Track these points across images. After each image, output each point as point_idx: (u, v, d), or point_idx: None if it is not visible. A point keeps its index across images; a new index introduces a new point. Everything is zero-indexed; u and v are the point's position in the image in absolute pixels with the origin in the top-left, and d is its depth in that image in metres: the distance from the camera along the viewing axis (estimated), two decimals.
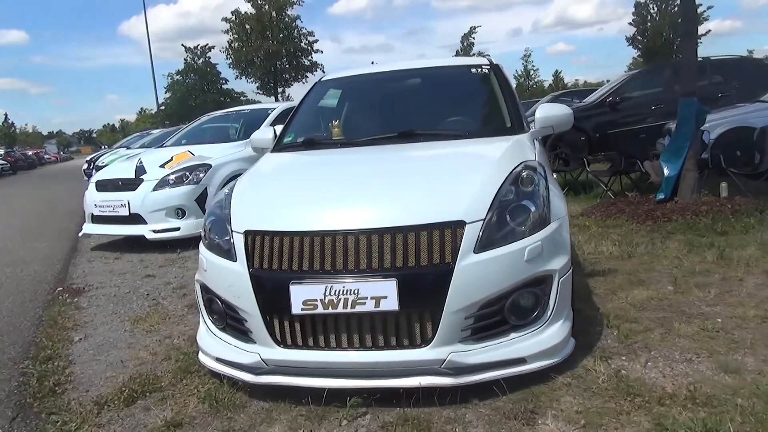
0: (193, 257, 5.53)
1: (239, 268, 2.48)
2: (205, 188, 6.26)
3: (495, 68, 3.77)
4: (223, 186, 6.18)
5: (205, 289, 2.75)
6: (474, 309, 2.30)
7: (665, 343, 2.76)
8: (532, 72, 45.44)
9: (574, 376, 2.49)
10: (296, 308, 2.34)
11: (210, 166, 6.39)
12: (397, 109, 3.74)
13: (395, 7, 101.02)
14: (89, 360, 3.21)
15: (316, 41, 23.81)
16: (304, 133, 3.70)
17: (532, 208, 2.48)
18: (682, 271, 3.93)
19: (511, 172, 2.60)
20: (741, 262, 3.95)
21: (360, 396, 2.35)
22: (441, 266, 2.28)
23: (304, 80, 25.89)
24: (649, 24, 31.99)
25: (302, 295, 2.33)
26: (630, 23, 34.36)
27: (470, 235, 2.32)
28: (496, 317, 2.37)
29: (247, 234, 2.51)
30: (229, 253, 2.56)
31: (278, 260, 2.41)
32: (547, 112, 3.39)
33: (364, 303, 2.27)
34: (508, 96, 3.54)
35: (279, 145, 3.62)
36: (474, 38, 39.63)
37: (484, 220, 2.35)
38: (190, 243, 5.91)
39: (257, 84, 24.69)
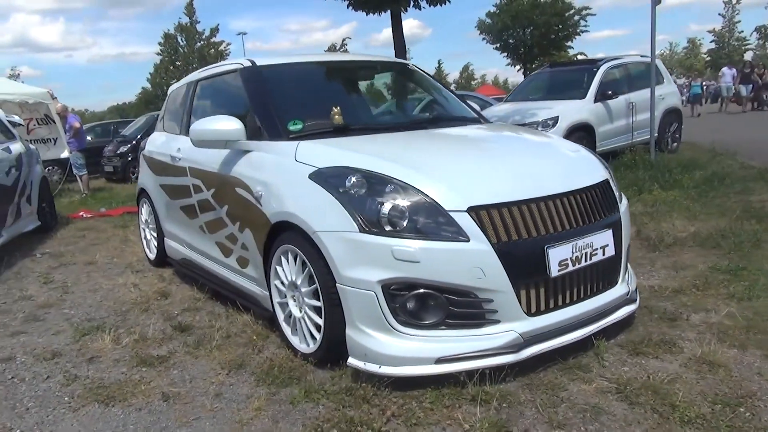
0: None
1: (479, 246, 2.32)
2: None
3: (414, 66, 4.17)
4: None
5: (408, 286, 2.33)
6: (626, 248, 2.89)
7: None
8: None
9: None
10: (555, 271, 2.42)
11: None
12: (388, 97, 3.67)
13: None
14: None
15: None
16: (304, 119, 3.20)
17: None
18: None
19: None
20: None
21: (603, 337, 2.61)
22: (616, 215, 2.79)
23: None
24: (180, 53, 33.75)
25: (558, 257, 2.43)
26: (158, 53, 35.71)
27: (613, 190, 2.90)
28: (628, 255, 3.00)
29: (472, 210, 2.36)
30: (453, 235, 2.32)
31: (527, 229, 2.40)
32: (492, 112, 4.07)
33: (597, 253, 2.58)
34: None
35: (293, 134, 3.05)
36: None
37: (609, 179, 2.96)
38: None
39: None
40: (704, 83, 26.28)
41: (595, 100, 8.73)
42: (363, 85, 3.91)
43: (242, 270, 3.30)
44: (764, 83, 18.61)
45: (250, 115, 3.28)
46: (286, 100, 3.33)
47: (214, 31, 33.13)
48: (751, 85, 18.33)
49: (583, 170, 2.84)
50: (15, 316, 3.77)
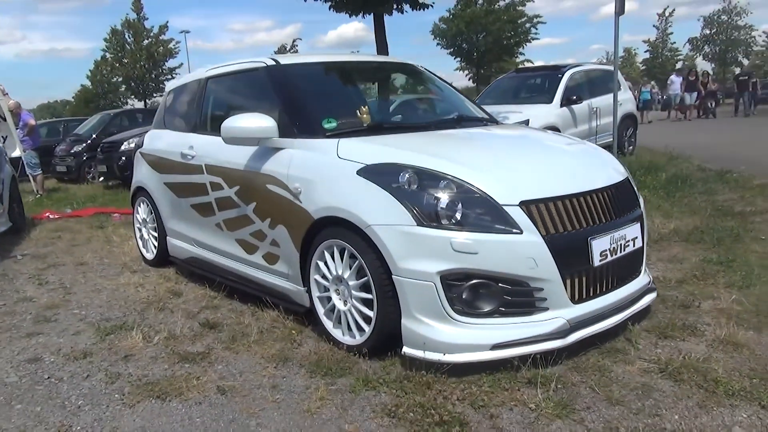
0: None
1: (532, 238, 2.47)
2: None
3: (422, 68, 4.29)
4: None
5: (465, 276, 2.44)
6: (645, 242, 3.10)
7: None
8: None
9: None
10: (597, 261, 2.59)
11: None
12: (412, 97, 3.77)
13: None
14: None
15: None
16: (335, 117, 3.25)
17: None
18: None
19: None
20: None
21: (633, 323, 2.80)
22: (639, 209, 3.01)
23: None
24: (127, 50, 32.72)
25: (600, 248, 2.62)
26: (103, 50, 34.66)
27: (634, 187, 3.11)
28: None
29: (523, 204, 2.50)
30: (507, 228, 2.46)
31: (571, 222, 2.57)
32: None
33: (629, 245, 2.78)
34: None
35: (329, 132, 3.11)
36: None
37: (629, 176, 3.17)
38: None
39: None
40: (652, 90, 27.51)
41: (561, 105, 9.11)
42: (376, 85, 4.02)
43: (270, 266, 3.33)
44: (708, 91, 19.71)
45: (280, 113, 3.31)
46: (318, 99, 3.39)
47: (163, 28, 32.24)
48: (695, 93, 19.29)
49: (610, 167, 3.05)
50: (23, 318, 3.65)
